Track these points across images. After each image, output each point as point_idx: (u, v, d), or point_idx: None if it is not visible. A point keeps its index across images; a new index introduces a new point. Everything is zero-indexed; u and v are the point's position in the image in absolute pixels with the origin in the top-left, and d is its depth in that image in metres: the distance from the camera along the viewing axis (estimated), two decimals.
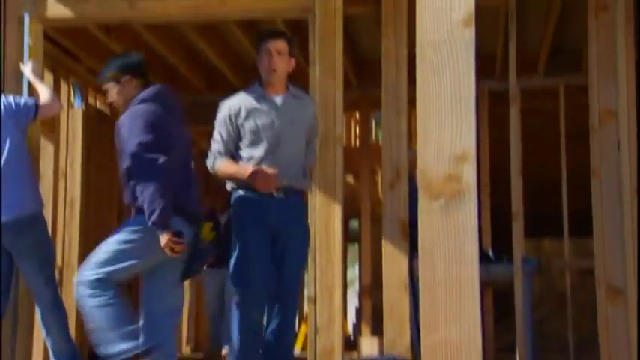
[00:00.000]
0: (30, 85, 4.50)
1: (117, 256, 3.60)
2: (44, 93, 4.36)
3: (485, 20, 5.81)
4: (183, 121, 3.93)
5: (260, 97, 3.71)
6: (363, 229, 7.88)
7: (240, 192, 3.68)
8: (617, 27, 4.20)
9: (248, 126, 3.66)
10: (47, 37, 4.99)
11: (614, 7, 4.22)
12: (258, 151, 3.64)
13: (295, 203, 3.72)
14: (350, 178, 9.44)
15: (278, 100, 3.72)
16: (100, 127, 7.19)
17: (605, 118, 4.22)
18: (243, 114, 3.67)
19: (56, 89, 6.47)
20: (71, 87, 6.97)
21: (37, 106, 4.26)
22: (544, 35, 6.33)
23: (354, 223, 10.95)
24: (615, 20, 4.22)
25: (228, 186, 3.78)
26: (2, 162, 4.05)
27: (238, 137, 3.69)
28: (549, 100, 7.03)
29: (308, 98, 3.99)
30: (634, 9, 4.31)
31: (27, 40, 4.59)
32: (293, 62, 3.80)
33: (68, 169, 6.61)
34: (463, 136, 2.25)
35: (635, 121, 4.16)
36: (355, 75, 7.37)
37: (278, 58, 3.70)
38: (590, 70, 4.31)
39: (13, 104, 4.20)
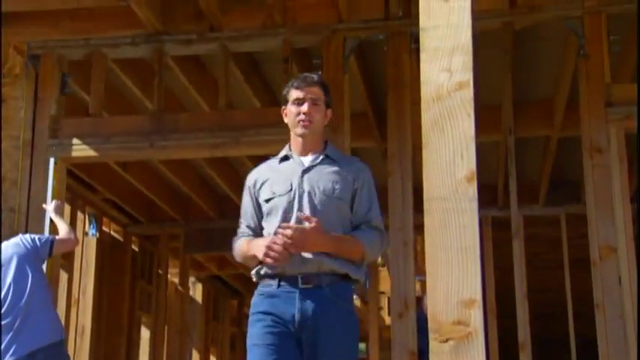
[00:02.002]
0: (51, 221, 4.74)
1: None
2: (62, 230, 4.61)
3: (486, 153, 6.04)
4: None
5: (283, 159, 2.99)
6: (372, 354, 7.86)
7: (259, 287, 2.91)
8: (612, 166, 4.36)
9: (263, 195, 2.95)
10: (67, 170, 5.24)
11: (608, 149, 4.41)
12: (273, 224, 2.89)
13: (329, 294, 2.80)
14: (356, 302, 9.48)
15: (306, 160, 2.95)
16: (112, 255, 7.34)
17: (606, 253, 4.32)
18: (259, 182, 2.98)
19: (73, 219, 6.69)
20: (87, 217, 7.18)
21: (52, 242, 4.49)
22: (543, 168, 6.55)
23: (361, 346, 10.85)
24: (610, 160, 4.39)
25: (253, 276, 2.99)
26: (27, 294, 4.26)
27: (260, 211, 2.97)
28: (551, 228, 7.18)
29: (352, 160, 3.12)
30: (629, 149, 4.51)
31: (51, 181, 4.85)
32: (330, 113, 3.01)
33: (80, 297, 6.72)
34: (469, 283, 2.38)
35: (635, 256, 4.27)
36: None
37: (313, 107, 2.92)
38: (588, 207, 4.44)
39: (30, 241, 4.44)
